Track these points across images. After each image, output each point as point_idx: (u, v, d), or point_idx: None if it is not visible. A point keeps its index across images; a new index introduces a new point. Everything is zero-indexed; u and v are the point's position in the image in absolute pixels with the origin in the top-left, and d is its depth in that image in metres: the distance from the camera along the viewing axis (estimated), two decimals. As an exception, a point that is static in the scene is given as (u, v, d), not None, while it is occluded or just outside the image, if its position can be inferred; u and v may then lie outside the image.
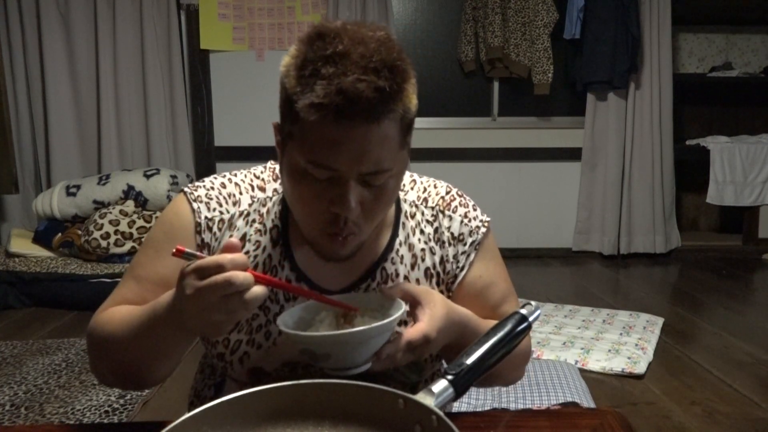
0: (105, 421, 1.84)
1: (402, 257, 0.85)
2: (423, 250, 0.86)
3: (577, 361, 2.27)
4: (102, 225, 3.09)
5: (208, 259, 0.61)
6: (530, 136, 4.23)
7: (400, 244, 0.86)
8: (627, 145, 4.14)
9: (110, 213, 3.13)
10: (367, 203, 0.72)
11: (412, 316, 0.76)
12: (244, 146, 3.92)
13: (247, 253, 0.82)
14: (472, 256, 0.87)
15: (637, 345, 2.41)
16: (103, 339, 0.78)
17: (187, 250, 0.63)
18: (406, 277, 0.85)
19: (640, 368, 2.21)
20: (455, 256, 0.87)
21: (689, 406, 1.95)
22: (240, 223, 0.83)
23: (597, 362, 2.27)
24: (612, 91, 4.08)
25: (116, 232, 3.09)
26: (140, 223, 3.16)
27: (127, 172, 3.39)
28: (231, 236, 0.83)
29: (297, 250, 0.83)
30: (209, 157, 3.99)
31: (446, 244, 0.87)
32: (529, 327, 0.69)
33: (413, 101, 0.71)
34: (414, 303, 0.73)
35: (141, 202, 3.23)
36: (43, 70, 3.75)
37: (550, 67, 3.96)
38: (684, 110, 4.52)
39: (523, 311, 0.70)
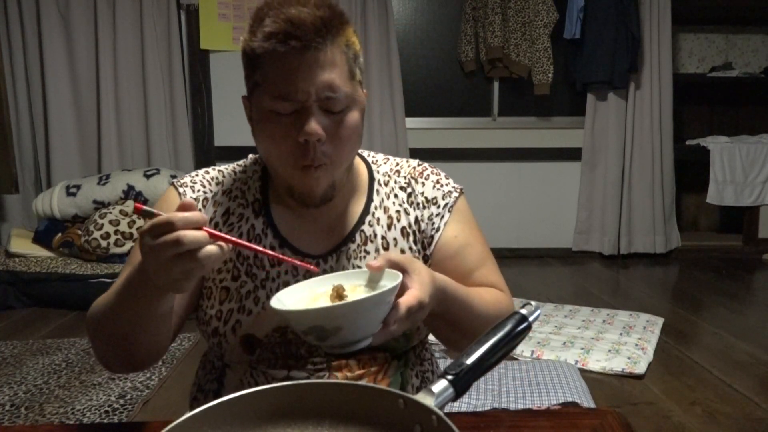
0: (105, 421, 1.84)
1: (378, 219, 0.90)
2: (398, 211, 0.92)
3: (577, 361, 2.27)
4: (102, 225, 3.09)
5: (160, 218, 0.62)
6: (530, 136, 4.23)
7: (376, 208, 0.91)
8: (627, 145, 4.15)
9: (110, 213, 3.13)
10: (331, 131, 0.78)
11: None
12: (244, 146, 3.92)
13: (231, 225, 0.88)
14: (446, 216, 0.92)
15: (637, 345, 2.41)
16: (96, 319, 0.81)
17: (145, 207, 0.64)
18: (383, 238, 0.90)
19: (640, 368, 2.21)
20: (430, 218, 0.92)
21: (689, 406, 1.95)
22: (223, 199, 0.90)
23: (597, 362, 2.27)
24: (612, 91, 4.08)
25: (116, 232, 3.09)
26: (140, 223, 3.15)
27: (127, 172, 3.39)
28: (215, 212, 0.89)
29: (278, 219, 0.89)
30: (209, 157, 3.99)
31: (420, 206, 0.92)
32: (529, 327, 0.69)
33: (356, 41, 0.80)
34: (400, 271, 0.72)
35: (141, 202, 3.23)
36: (43, 70, 3.76)
37: (550, 67, 3.96)
38: (684, 110, 4.52)
39: (523, 311, 0.70)
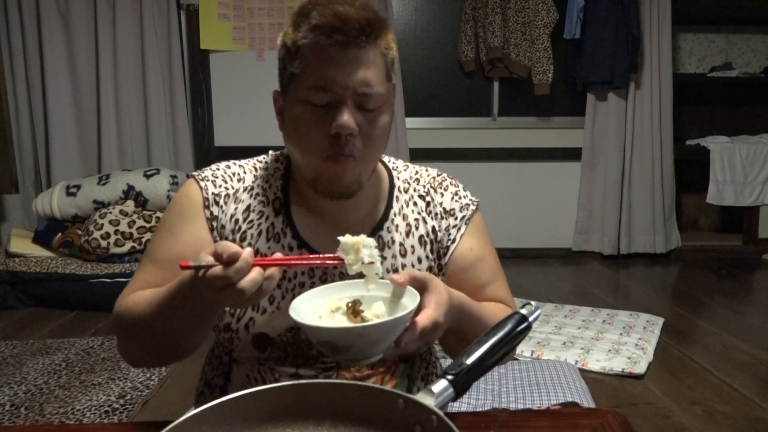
0: (105, 421, 1.84)
1: (397, 226, 0.92)
2: (416, 219, 0.93)
3: (577, 361, 2.27)
4: (102, 225, 3.09)
5: (215, 272, 0.65)
6: (530, 136, 4.23)
7: (395, 215, 0.92)
8: (627, 145, 4.14)
9: (110, 213, 3.13)
10: (364, 128, 0.79)
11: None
12: (244, 146, 3.92)
13: (251, 222, 0.88)
14: (463, 229, 0.94)
15: (637, 345, 2.41)
16: (132, 323, 0.82)
17: (191, 263, 0.66)
18: (401, 245, 0.91)
19: (640, 368, 2.21)
20: (447, 229, 0.93)
21: (689, 406, 1.95)
22: (244, 196, 0.90)
23: (597, 362, 2.27)
24: (612, 91, 4.08)
25: (116, 232, 3.09)
26: (140, 223, 3.16)
27: (127, 172, 3.39)
28: (236, 209, 0.89)
29: (298, 219, 0.89)
30: (209, 157, 3.99)
31: (438, 216, 0.94)
32: (529, 327, 0.69)
33: (393, 46, 0.82)
34: (420, 289, 0.73)
35: (141, 202, 3.23)
36: (43, 70, 3.75)
37: (550, 67, 3.96)
38: (684, 110, 4.52)
39: (523, 311, 0.70)
